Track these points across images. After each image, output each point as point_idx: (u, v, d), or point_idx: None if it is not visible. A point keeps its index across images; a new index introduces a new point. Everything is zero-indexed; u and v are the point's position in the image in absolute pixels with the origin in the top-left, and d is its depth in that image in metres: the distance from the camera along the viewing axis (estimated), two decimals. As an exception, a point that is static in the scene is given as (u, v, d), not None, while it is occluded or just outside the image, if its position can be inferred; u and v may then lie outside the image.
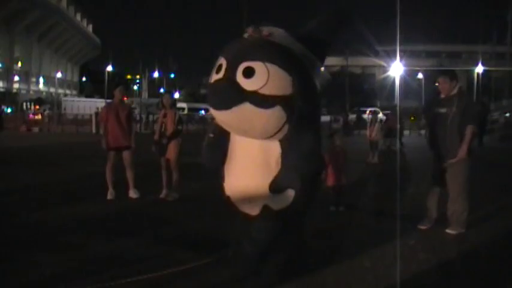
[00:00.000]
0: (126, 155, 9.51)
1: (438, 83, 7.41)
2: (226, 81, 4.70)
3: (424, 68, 68.85)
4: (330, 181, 8.54)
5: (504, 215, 8.26)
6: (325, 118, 46.66)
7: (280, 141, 4.85)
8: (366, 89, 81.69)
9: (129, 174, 9.57)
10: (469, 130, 6.96)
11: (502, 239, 7.02)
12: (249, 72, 4.63)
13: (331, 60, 78.98)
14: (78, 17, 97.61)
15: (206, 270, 5.39)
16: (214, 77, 4.81)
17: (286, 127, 4.77)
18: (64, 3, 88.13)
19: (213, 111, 4.88)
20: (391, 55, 58.55)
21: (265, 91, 4.60)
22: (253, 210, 4.99)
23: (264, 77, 4.61)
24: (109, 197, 9.19)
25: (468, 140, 6.95)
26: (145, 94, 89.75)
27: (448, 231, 7.03)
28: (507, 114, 44.38)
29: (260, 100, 4.60)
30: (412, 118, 39.23)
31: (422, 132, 37.67)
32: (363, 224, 7.82)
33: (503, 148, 23.03)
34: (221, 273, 5.28)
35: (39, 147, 21.92)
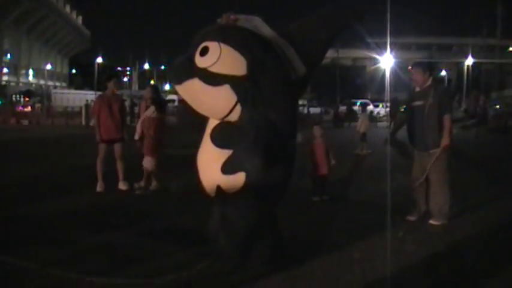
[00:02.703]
0: (117, 147, 9.51)
1: (411, 75, 7.47)
2: (183, 58, 5.00)
3: (415, 60, 68.83)
4: (312, 171, 8.60)
5: (492, 207, 8.30)
6: (315, 110, 46.83)
7: (232, 120, 4.91)
8: (356, 81, 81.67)
9: (119, 167, 9.56)
10: (447, 120, 7.04)
11: (489, 230, 7.06)
12: (204, 51, 4.86)
13: (322, 52, 78.86)
14: (68, 8, 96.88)
15: (195, 262, 5.39)
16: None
17: (238, 108, 4.86)
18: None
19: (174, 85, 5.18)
20: (381, 47, 58.52)
21: (215, 69, 4.80)
22: (211, 191, 5.06)
23: (215, 55, 4.81)
24: (99, 189, 9.19)
25: (448, 129, 7.03)
26: (135, 86, 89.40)
27: (431, 222, 7.10)
28: (497, 107, 44.45)
29: (208, 77, 4.81)
30: (402, 110, 39.24)
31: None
32: (349, 215, 7.83)
33: (493, 140, 23.09)
34: (209, 266, 5.27)
35: (28, 140, 21.82)
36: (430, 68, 7.50)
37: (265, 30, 5.21)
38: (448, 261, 5.80)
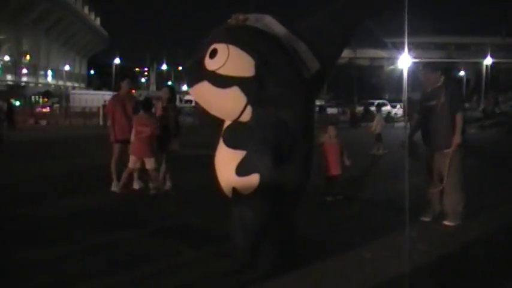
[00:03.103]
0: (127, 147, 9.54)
1: (422, 77, 7.42)
2: (194, 61, 5.06)
3: (433, 60, 68.34)
4: (326, 171, 8.58)
5: (509, 207, 8.20)
6: (332, 110, 46.67)
7: (246, 123, 4.91)
8: (374, 81, 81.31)
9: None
10: (458, 118, 6.96)
11: (504, 231, 6.99)
12: (213, 53, 4.88)
13: (339, 52, 78.68)
14: (86, 10, 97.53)
15: (205, 262, 5.41)
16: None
17: (249, 109, 4.85)
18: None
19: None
20: (399, 47, 58.24)
21: (223, 71, 4.81)
22: (227, 191, 5.09)
23: (223, 58, 4.82)
24: (113, 188, 9.22)
25: (459, 127, 6.95)
26: (153, 87, 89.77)
27: (445, 223, 7.03)
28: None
29: (217, 79, 4.83)
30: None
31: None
32: (363, 215, 7.81)
33: (510, 140, 22.86)
34: (220, 265, 5.31)
35: (46, 140, 21.99)
36: (441, 68, 7.43)
37: (276, 28, 5.17)
38: (460, 262, 5.72)
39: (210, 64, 4.87)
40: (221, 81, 4.83)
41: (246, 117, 4.90)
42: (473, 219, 7.18)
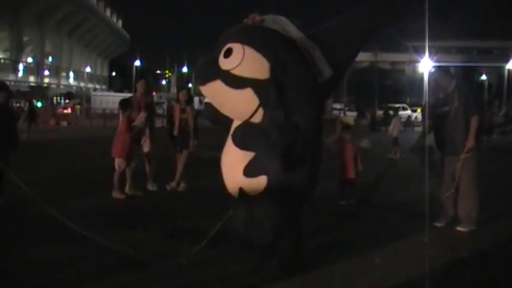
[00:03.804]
0: (146, 148, 9.59)
1: (435, 83, 7.36)
2: (208, 59, 5.03)
3: (455, 64, 67.84)
4: (340, 175, 8.53)
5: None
6: (352, 114, 46.48)
7: (257, 124, 4.86)
8: (395, 85, 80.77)
9: (149, 168, 9.65)
10: (473, 122, 6.87)
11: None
12: (228, 52, 4.84)
13: (361, 56, 78.26)
14: (108, 12, 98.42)
15: (214, 264, 5.41)
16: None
17: (260, 112, 4.81)
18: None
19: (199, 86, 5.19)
20: (420, 51, 57.74)
21: (237, 71, 4.77)
22: (234, 192, 5.04)
23: (238, 58, 4.78)
24: (127, 190, 9.25)
25: (474, 131, 6.85)
26: (173, 89, 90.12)
27: (459, 228, 6.95)
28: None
29: (231, 79, 4.79)
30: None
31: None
32: (375, 219, 7.74)
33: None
34: (229, 267, 5.32)
35: (66, 141, 22.16)
36: (451, 73, 7.39)
37: (292, 31, 5.15)
38: (472, 269, 5.65)
39: (225, 63, 4.84)
40: (235, 81, 4.79)
41: (257, 118, 4.87)
42: (487, 225, 7.10)
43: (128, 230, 6.74)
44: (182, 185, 9.53)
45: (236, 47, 4.84)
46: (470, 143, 6.84)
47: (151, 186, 9.56)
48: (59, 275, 5.10)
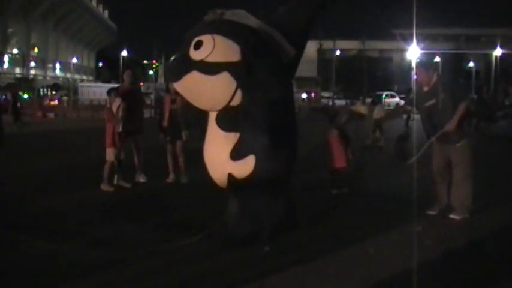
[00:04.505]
0: (135, 139, 9.45)
1: (417, 76, 7.36)
2: (179, 56, 5.24)
3: (442, 51, 68.00)
4: (330, 164, 8.45)
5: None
6: (340, 102, 46.55)
7: (235, 105, 5.10)
8: (383, 73, 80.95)
9: (138, 159, 9.52)
10: (461, 107, 6.79)
11: (509, 226, 6.85)
12: (197, 44, 5.06)
13: (348, 44, 78.48)
14: (94, 2, 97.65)
15: (206, 254, 5.33)
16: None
17: (239, 93, 5.06)
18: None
19: (172, 83, 5.51)
20: (408, 38, 57.80)
21: (211, 59, 4.99)
22: (222, 181, 5.23)
23: (209, 46, 5.00)
24: (116, 181, 9.13)
25: (458, 116, 6.74)
26: (161, 79, 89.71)
27: (452, 216, 6.91)
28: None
29: (207, 67, 4.99)
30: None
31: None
32: (368, 209, 7.64)
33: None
34: (221, 259, 5.22)
35: (53, 133, 21.95)
36: (432, 66, 7.39)
37: (251, 20, 5.47)
38: (467, 257, 5.59)
39: (197, 55, 5.04)
40: (210, 68, 4.99)
41: (237, 101, 5.10)
42: (481, 213, 7.06)
43: (117, 223, 6.65)
44: (171, 176, 9.41)
45: (205, 38, 5.08)
46: (450, 126, 6.73)
47: (141, 178, 9.43)
48: (44, 271, 5.00)
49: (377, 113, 17.19)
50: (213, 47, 4.99)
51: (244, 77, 5.02)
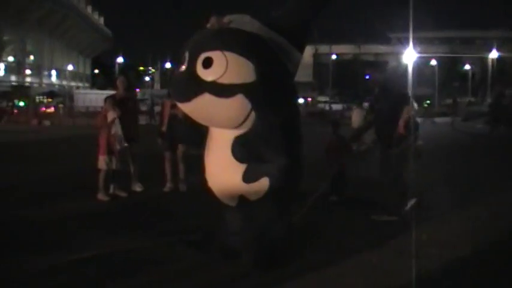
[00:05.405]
0: (130, 147, 9.32)
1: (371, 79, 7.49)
2: (185, 74, 4.76)
3: (437, 54, 68.16)
4: (329, 170, 8.36)
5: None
6: (337, 106, 46.58)
7: (249, 130, 4.81)
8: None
9: (133, 167, 9.40)
10: (405, 111, 6.91)
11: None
12: (207, 62, 4.61)
13: (344, 48, 78.68)
14: (89, 9, 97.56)
15: (203, 265, 5.23)
16: (178, 70, 4.90)
17: (253, 115, 4.72)
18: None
19: (178, 104, 4.97)
20: (403, 42, 57.94)
21: (225, 80, 4.57)
22: (232, 202, 5.03)
23: (222, 66, 4.57)
24: (111, 190, 9.01)
25: (404, 120, 6.87)
26: (157, 85, 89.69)
27: (373, 217, 7.06)
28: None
29: (219, 90, 4.58)
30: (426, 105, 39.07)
31: (436, 120, 37.54)
32: (367, 215, 7.50)
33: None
34: (218, 271, 5.13)
35: (49, 141, 21.85)
36: (380, 69, 7.58)
37: (257, 27, 5.05)
38: (470, 263, 5.51)
39: (207, 74, 4.62)
40: (224, 90, 4.60)
41: (249, 123, 4.78)
42: (479, 219, 7.06)
43: (113, 233, 6.52)
44: (167, 185, 9.31)
45: (216, 55, 4.64)
46: (400, 127, 6.88)
47: (137, 187, 9.31)
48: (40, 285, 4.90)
49: (355, 117, 16.74)
50: (226, 67, 4.57)
51: (258, 99, 4.67)
